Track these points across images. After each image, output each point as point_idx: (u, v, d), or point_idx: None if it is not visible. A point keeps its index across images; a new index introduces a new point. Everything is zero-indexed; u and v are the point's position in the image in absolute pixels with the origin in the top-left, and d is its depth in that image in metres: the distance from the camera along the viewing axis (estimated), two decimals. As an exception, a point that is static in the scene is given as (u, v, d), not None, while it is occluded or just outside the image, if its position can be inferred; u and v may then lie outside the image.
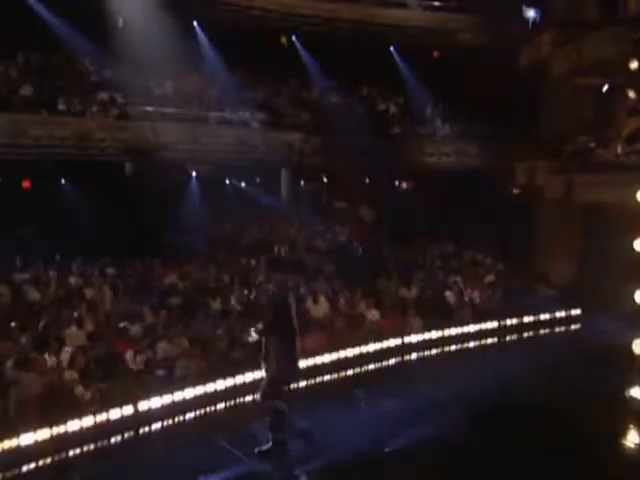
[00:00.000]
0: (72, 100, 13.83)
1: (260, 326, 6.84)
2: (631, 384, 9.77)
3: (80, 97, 13.99)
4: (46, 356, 8.86)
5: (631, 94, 13.67)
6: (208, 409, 8.58)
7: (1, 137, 12.50)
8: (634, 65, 13.11)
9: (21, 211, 13.04)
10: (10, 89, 13.35)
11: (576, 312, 13.44)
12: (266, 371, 6.75)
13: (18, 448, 7.09)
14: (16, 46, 13.80)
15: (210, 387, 8.79)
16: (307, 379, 9.63)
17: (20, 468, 6.96)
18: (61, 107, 13.68)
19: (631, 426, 8.30)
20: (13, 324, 9.72)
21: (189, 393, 8.60)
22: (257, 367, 7.39)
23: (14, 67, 13.95)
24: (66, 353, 9.07)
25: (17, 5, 12.70)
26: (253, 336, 7.11)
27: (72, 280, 11.96)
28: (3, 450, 6.98)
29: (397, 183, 19.09)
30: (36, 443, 7.24)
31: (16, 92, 13.38)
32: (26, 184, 14.45)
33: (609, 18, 14.50)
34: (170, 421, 8.24)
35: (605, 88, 15.30)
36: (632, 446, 7.67)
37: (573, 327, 13.24)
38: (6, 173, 13.64)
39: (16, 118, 12.84)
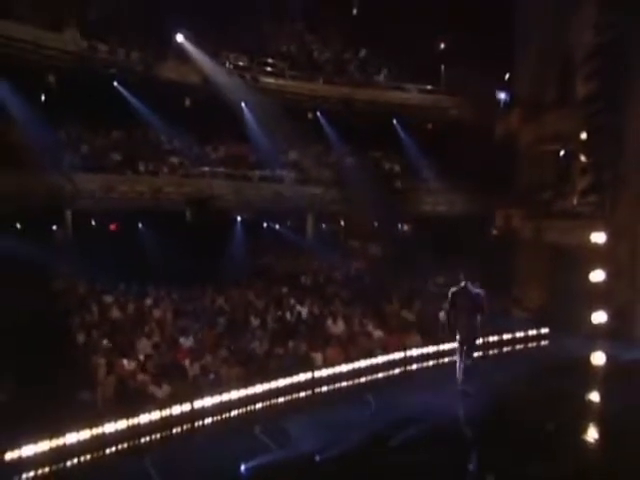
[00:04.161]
0: (149, 163, 14.22)
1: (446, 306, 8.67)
2: (590, 389, 9.63)
3: (155, 161, 14.39)
4: (125, 361, 9.14)
5: (582, 158, 13.76)
6: (249, 408, 8.60)
7: (97, 192, 12.88)
8: (584, 136, 13.30)
9: (108, 247, 13.18)
10: (104, 156, 13.82)
11: (545, 331, 13.17)
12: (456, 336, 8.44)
13: (103, 435, 7.26)
14: (108, 123, 14.28)
15: (251, 390, 8.81)
16: (327, 385, 9.70)
17: (104, 451, 7.11)
18: (141, 169, 14.06)
19: (590, 424, 8.17)
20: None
21: (234, 395, 8.63)
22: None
23: (107, 139, 14.48)
24: (139, 360, 9.31)
25: (109, 92, 13.26)
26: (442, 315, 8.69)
27: (144, 302, 12.11)
28: (92, 436, 7.15)
29: (400, 226, 19.03)
30: (116, 431, 7.37)
31: (108, 158, 13.87)
32: (113, 227, 14.79)
33: (563, 100, 14.61)
34: (219, 417, 8.29)
35: (562, 153, 15.34)
36: (592, 441, 7.55)
37: (543, 343, 12.97)
38: (99, 219, 14.08)
39: (108, 178, 13.23)
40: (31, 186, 11.26)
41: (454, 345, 8.88)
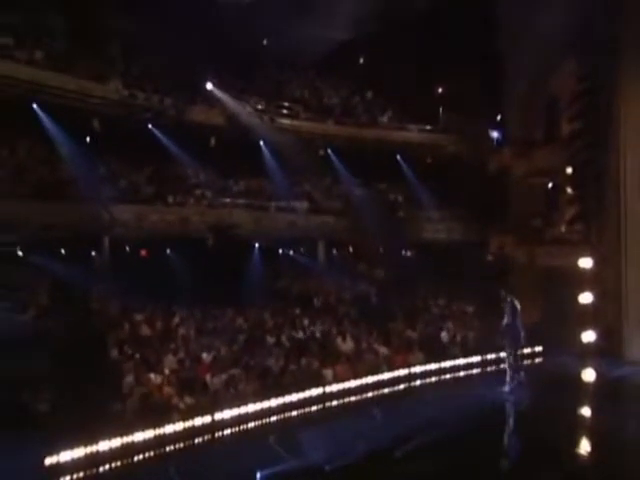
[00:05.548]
0: (177, 195, 14.40)
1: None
2: (581, 404, 9.48)
3: (182, 193, 14.55)
4: (152, 375, 9.19)
5: (569, 190, 13.87)
6: (265, 420, 8.59)
7: (129, 221, 13.03)
8: (569, 170, 13.45)
9: (139, 271, 12.96)
10: (137, 190, 14.09)
11: (539, 349, 13.05)
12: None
13: (132, 443, 7.30)
14: (142, 160, 14.52)
15: (266, 404, 8.81)
16: (337, 399, 9.66)
17: (133, 458, 7.14)
18: (170, 200, 14.21)
19: (582, 437, 8.02)
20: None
21: (251, 408, 8.64)
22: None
23: (140, 175, 14.69)
24: (165, 374, 9.35)
25: (144, 133, 13.48)
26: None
27: (170, 321, 12.06)
28: (122, 444, 7.21)
29: (403, 251, 18.97)
30: (144, 440, 7.42)
31: (142, 191, 14.11)
32: (144, 252, 14.77)
33: (550, 138, 14.80)
34: (237, 428, 8.29)
35: (550, 185, 15.41)
36: (584, 453, 7.41)
37: (537, 360, 12.85)
38: (131, 245, 14.22)
39: (140, 209, 13.42)
40: (75, 216, 11.59)
41: (504, 353, 10.34)
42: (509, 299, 10.12)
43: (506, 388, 9.84)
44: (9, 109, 10.81)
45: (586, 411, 9.34)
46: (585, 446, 7.67)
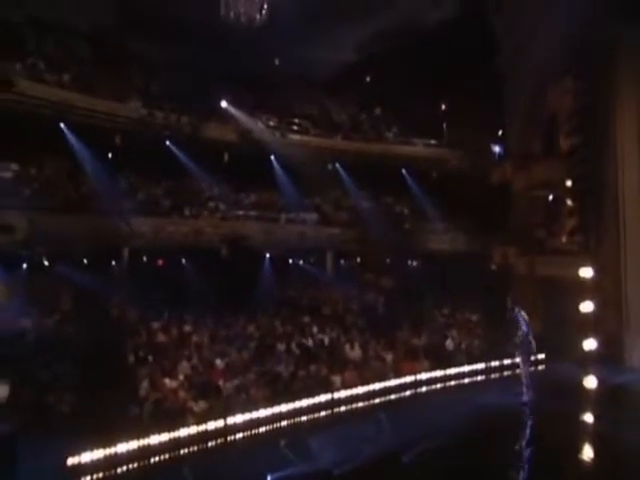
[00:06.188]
0: (192, 208, 14.57)
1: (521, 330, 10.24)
2: (584, 410, 9.36)
3: (197, 206, 14.73)
4: (167, 381, 9.28)
5: (569, 202, 13.83)
6: (275, 425, 8.60)
7: (147, 233, 13.20)
8: (569, 183, 13.44)
9: (156, 280, 13.33)
10: (155, 202, 14.30)
11: (541, 357, 12.90)
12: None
13: (148, 446, 7.38)
14: (160, 174, 14.79)
15: (277, 409, 8.82)
16: (345, 405, 9.65)
17: (149, 460, 7.22)
18: (186, 213, 14.38)
19: (585, 443, 7.93)
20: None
21: (262, 413, 8.66)
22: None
23: (159, 188, 14.95)
24: (180, 379, 9.43)
25: (162, 149, 13.75)
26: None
27: (185, 329, 12.14)
28: (139, 447, 7.30)
29: (409, 261, 18.94)
30: (159, 443, 7.48)
31: (159, 204, 14.32)
32: (160, 262, 14.94)
33: (549, 152, 14.78)
34: (249, 432, 8.31)
35: (551, 197, 15.33)
36: (586, 459, 7.33)
37: (540, 368, 12.71)
38: (149, 255, 14.43)
39: (158, 221, 13.61)
40: (97, 228, 11.86)
41: (519, 359, 10.50)
42: (516, 309, 10.12)
43: (525, 398, 9.66)
44: (38, 128, 11.18)
45: (589, 417, 9.21)
46: (589, 452, 7.57)
